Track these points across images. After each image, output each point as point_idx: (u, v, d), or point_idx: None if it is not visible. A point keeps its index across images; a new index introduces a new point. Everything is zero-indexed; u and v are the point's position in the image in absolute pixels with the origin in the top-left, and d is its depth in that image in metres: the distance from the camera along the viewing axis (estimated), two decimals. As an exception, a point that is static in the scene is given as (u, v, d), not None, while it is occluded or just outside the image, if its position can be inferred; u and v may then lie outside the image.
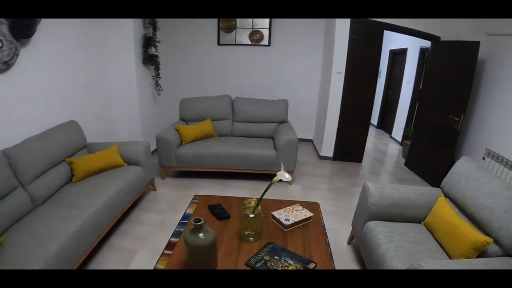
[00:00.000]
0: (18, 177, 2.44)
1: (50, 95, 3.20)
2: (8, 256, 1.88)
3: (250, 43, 5.15)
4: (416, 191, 2.38)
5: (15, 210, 2.29)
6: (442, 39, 4.16)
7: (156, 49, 4.64)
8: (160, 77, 4.87)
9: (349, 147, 4.70)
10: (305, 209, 2.52)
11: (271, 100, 4.57)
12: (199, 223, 1.88)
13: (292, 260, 1.97)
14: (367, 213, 2.37)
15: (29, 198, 2.46)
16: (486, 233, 1.89)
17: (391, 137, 6.60)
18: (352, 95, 4.40)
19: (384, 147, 5.83)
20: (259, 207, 2.54)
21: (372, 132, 7.12)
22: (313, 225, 2.41)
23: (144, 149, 3.45)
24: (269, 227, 2.39)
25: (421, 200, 2.33)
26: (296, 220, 2.38)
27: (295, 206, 2.58)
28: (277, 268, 1.89)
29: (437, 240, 2.10)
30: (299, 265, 1.91)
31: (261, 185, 3.86)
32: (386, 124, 7.18)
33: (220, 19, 5.05)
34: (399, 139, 6.00)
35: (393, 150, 5.70)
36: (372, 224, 2.30)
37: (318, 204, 2.69)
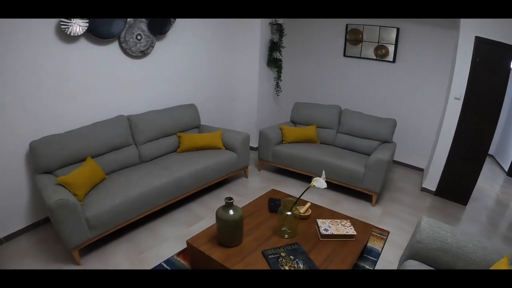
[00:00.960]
0: (134, 137, 3.28)
1: (177, 81, 4.03)
2: (104, 188, 2.66)
3: (374, 57, 4.99)
4: (478, 242, 1.96)
5: (124, 160, 3.12)
6: None
7: (281, 54, 5.08)
8: (281, 80, 5.31)
9: (456, 185, 3.99)
10: (351, 227, 2.47)
11: (379, 117, 4.36)
12: (230, 201, 2.18)
13: (304, 266, 2.03)
14: (411, 250, 2.12)
15: (138, 155, 3.28)
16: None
17: (520, 188, 5.18)
18: (468, 126, 3.73)
19: (507, 199, 4.67)
20: (309, 209, 2.67)
21: (499, 178, 5.72)
22: (352, 244, 2.35)
23: (242, 139, 3.91)
24: (309, 231, 2.47)
25: (480, 255, 1.91)
26: (335, 233, 2.38)
27: (343, 221, 2.55)
28: (284, 266, 2.00)
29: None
30: (305, 270, 1.97)
31: (342, 198, 3.82)
32: (520, 172, 5.66)
33: (348, 31, 5.07)
34: (529, 192, 4.68)
35: (516, 204, 4.52)
36: (410, 263, 2.04)
37: (388, 232, 2.55)
